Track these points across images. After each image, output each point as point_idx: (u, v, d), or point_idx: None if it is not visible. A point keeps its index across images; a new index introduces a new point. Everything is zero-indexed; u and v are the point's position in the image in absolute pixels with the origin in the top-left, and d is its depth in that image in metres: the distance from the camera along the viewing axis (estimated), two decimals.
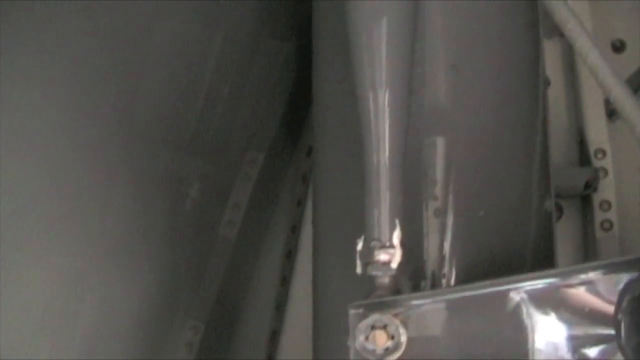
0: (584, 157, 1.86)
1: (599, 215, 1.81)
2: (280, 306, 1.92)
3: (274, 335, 1.90)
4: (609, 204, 1.81)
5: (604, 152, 1.83)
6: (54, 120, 1.52)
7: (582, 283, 1.14)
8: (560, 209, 1.84)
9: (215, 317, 1.72)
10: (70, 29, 1.53)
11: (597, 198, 1.82)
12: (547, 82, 1.51)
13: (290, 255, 1.93)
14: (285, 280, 1.92)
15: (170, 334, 1.65)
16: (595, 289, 1.13)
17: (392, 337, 1.12)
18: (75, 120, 1.53)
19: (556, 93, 1.90)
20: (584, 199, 1.86)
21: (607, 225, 1.80)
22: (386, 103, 1.18)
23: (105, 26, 1.55)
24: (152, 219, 1.60)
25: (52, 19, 1.52)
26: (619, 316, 1.11)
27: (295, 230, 1.92)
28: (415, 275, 1.28)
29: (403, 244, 1.16)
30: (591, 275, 1.13)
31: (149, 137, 1.60)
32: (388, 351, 1.12)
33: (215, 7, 1.66)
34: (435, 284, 1.29)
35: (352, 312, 1.13)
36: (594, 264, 1.15)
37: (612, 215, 1.80)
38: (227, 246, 1.74)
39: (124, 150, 1.57)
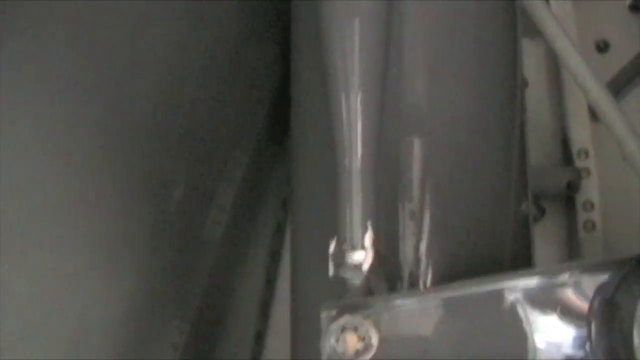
0: (566, 157, 1.86)
1: (582, 216, 1.81)
2: (265, 307, 1.92)
3: (259, 336, 1.91)
4: (592, 205, 1.81)
5: (587, 153, 1.83)
6: (37, 120, 1.52)
7: (557, 284, 1.14)
8: (542, 210, 1.84)
9: (201, 318, 1.72)
10: (57, 29, 1.54)
11: (580, 198, 1.82)
12: (525, 83, 1.51)
13: (275, 256, 1.93)
14: (270, 281, 1.92)
15: (155, 334, 1.65)
16: (570, 291, 1.13)
17: (363, 339, 1.12)
18: (59, 121, 1.53)
19: (539, 93, 1.90)
20: (568, 199, 1.86)
21: (590, 226, 1.80)
22: (358, 105, 1.18)
23: (91, 29, 1.55)
24: (136, 219, 1.60)
25: (39, 18, 1.52)
26: (590, 318, 1.11)
27: (280, 231, 1.92)
28: (391, 277, 1.28)
29: (375, 246, 1.16)
30: (567, 276, 1.13)
31: (133, 138, 1.60)
32: (358, 353, 1.12)
33: (200, 9, 1.67)
34: (411, 286, 1.29)
35: (324, 313, 1.14)
36: (569, 265, 1.15)
37: (595, 215, 1.80)
38: (211, 247, 1.74)
39: (108, 151, 1.57)
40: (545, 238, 1.82)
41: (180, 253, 1.70)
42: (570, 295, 1.13)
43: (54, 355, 1.48)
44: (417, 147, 1.32)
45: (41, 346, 1.48)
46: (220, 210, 1.76)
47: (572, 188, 1.80)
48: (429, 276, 1.29)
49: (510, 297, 1.14)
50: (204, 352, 1.79)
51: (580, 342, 1.12)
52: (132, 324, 1.59)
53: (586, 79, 1.29)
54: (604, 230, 1.80)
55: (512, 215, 1.37)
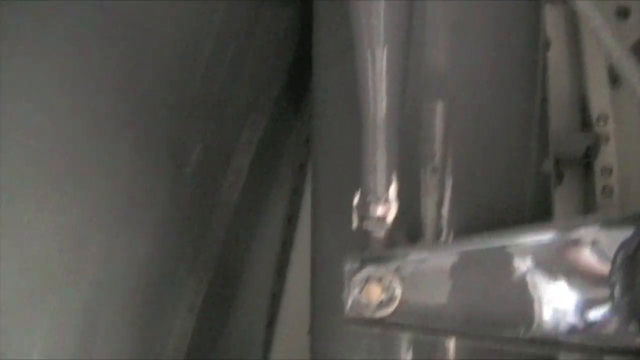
0: (585, 123, 1.85)
1: (600, 182, 1.80)
2: (281, 270, 1.92)
3: (275, 299, 1.91)
4: (610, 170, 1.80)
5: (606, 119, 1.82)
6: (58, 81, 1.53)
7: (579, 240, 1.13)
8: (560, 175, 1.84)
9: (217, 280, 1.72)
10: None
11: (598, 164, 1.81)
12: (547, 44, 1.51)
13: (291, 219, 1.93)
14: (286, 244, 1.92)
15: (171, 295, 1.65)
16: (592, 246, 1.13)
17: (387, 291, 1.12)
18: (79, 82, 1.54)
19: (559, 59, 1.89)
20: (586, 165, 1.86)
21: (608, 192, 1.80)
22: (384, 60, 1.18)
23: None
24: (154, 181, 1.60)
25: None
26: (613, 274, 1.11)
27: (297, 194, 1.92)
28: (412, 232, 1.28)
29: (399, 198, 1.16)
30: (589, 231, 1.13)
31: (151, 99, 1.60)
32: (382, 304, 1.12)
33: None
34: (433, 240, 1.29)
35: (347, 265, 1.14)
36: (592, 218, 1.14)
37: (613, 181, 1.80)
38: (228, 209, 1.74)
39: (127, 113, 1.57)
40: (562, 204, 1.82)
41: (197, 214, 1.70)
42: (593, 251, 1.13)
43: (70, 309, 1.49)
44: (439, 104, 1.32)
45: (58, 301, 1.49)
46: (238, 172, 1.75)
47: (591, 153, 1.79)
48: (451, 230, 1.29)
49: (529, 251, 1.14)
50: (220, 313, 1.79)
51: (599, 299, 1.12)
52: (148, 284, 1.59)
53: (608, 39, 1.28)
54: (622, 195, 1.80)
55: (533, 173, 1.37)
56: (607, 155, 1.81)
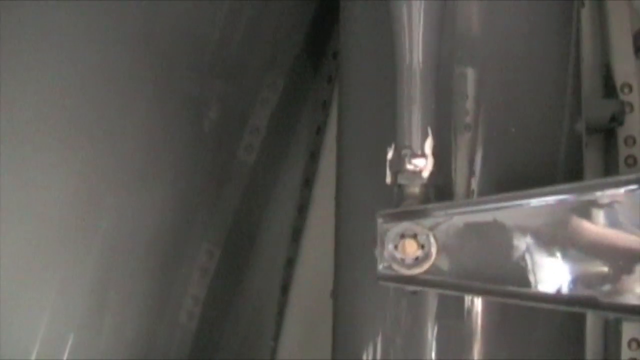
0: (609, 92, 1.83)
1: (623, 151, 1.78)
2: (296, 234, 1.90)
3: (290, 263, 1.89)
4: (634, 140, 1.78)
5: (630, 87, 1.79)
6: (77, 37, 1.52)
7: (609, 200, 1.10)
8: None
9: (231, 242, 1.70)
10: None
11: (622, 133, 1.79)
12: (581, 3, 1.48)
13: (308, 183, 1.91)
14: (302, 209, 1.90)
15: (184, 256, 1.63)
16: (622, 206, 1.10)
17: (422, 247, 1.09)
18: (98, 39, 1.53)
19: (583, 28, 1.86)
20: (606, 135, 1.83)
21: (631, 161, 1.77)
22: (421, 9, 1.15)
23: None
24: (171, 139, 1.58)
25: None
26: None
27: (314, 157, 1.90)
28: (443, 189, 1.25)
29: (435, 153, 1.13)
30: (621, 190, 1.10)
31: (169, 58, 1.58)
32: (417, 261, 1.09)
33: None
34: (465, 197, 1.27)
35: (380, 220, 1.11)
36: (627, 177, 1.11)
37: (636, 151, 1.78)
38: (244, 170, 1.72)
39: (145, 71, 1.55)
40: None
41: (213, 175, 1.67)
42: (622, 211, 1.10)
43: (83, 266, 1.48)
44: (473, 65, 1.29)
45: (72, 254, 1.47)
46: (255, 133, 1.73)
47: (616, 121, 1.77)
48: (482, 189, 1.27)
49: (562, 209, 1.11)
50: (233, 277, 1.77)
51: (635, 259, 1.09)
52: (162, 244, 1.57)
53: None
54: None
55: (565, 132, 1.34)
56: (631, 125, 1.78)
